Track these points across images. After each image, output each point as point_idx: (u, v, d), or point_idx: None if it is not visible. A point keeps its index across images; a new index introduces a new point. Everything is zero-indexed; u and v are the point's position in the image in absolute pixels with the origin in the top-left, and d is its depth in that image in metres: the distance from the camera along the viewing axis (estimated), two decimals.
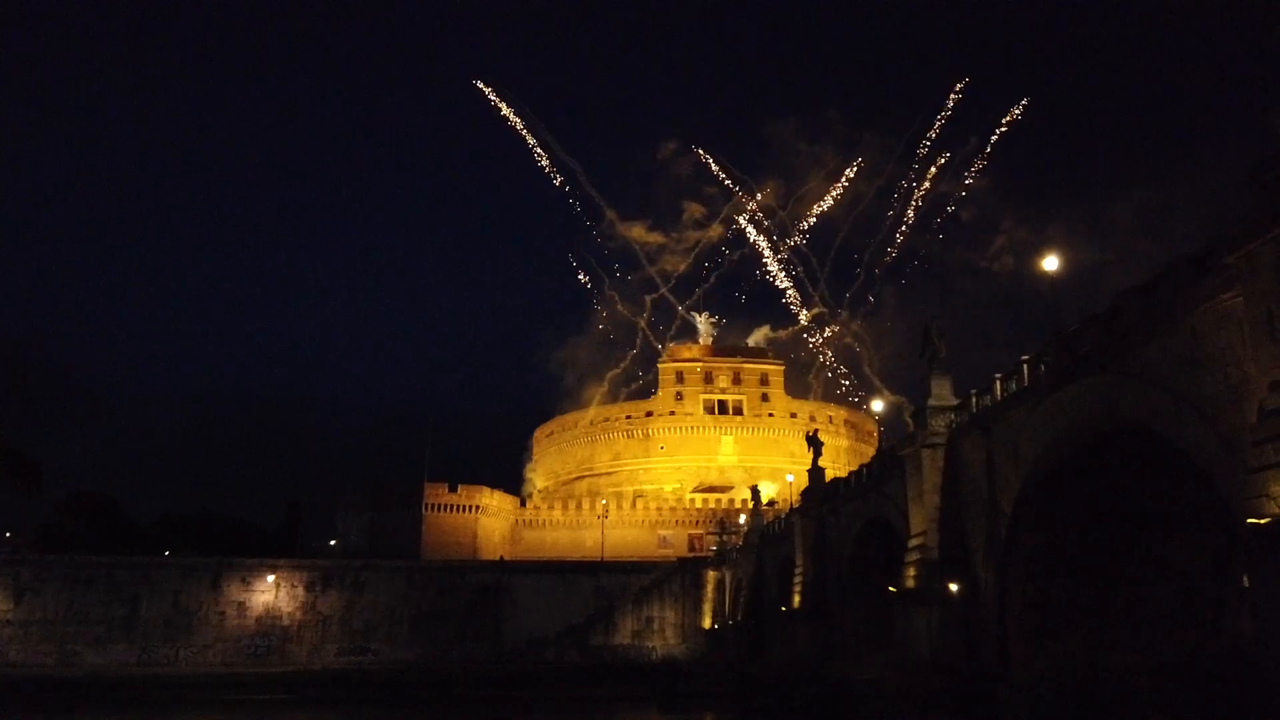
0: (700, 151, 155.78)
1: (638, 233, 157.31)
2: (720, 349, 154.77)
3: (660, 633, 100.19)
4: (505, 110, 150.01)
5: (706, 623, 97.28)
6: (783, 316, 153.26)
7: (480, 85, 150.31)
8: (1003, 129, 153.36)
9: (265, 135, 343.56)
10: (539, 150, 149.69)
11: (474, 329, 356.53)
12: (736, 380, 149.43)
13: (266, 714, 65.83)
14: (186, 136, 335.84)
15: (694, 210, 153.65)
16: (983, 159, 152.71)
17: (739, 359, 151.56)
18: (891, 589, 44.23)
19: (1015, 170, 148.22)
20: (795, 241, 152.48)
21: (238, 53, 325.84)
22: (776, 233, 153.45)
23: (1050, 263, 37.33)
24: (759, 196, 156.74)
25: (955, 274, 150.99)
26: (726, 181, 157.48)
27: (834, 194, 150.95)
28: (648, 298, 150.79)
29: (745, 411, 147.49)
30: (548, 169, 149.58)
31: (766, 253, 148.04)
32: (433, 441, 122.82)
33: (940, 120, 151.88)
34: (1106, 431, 32.87)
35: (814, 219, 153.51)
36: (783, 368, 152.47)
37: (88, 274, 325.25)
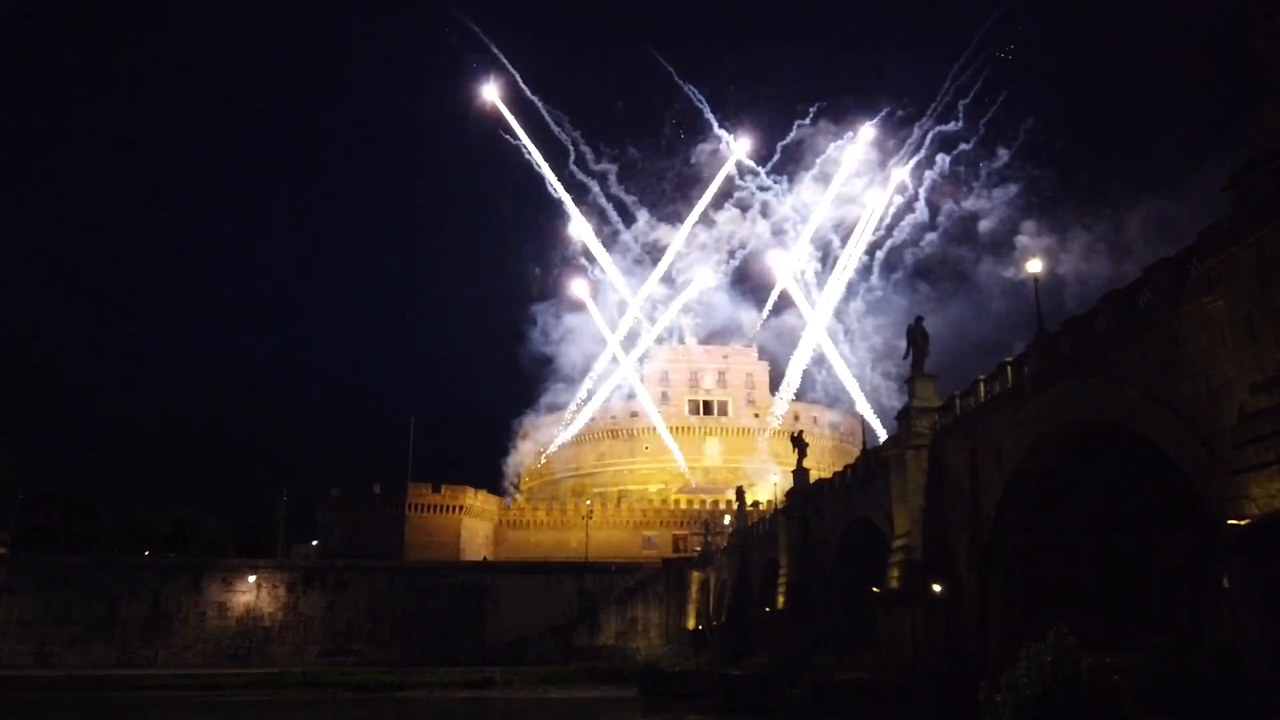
0: (732, 151, 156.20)
1: (664, 233, 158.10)
2: (705, 350, 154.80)
3: (644, 633, 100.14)
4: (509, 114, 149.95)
5: (691, 624, 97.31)
6: (790, 316, 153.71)
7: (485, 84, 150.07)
8: (1012, 121, 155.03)
9: (246, 129, 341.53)
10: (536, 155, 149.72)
11: (462, 326, 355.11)
12: (721, 381, 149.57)
13: (247, 715, 65.38)
14: (164, 129, 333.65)
15: (722, 216, 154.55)
16: (997, 157, 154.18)
17: (723, 360, 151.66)
18: (875, 590, 44.39)
19: (1038, 180, 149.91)
20: (812, 242, 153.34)
21: (220, 49, 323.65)
22: (795, 233, 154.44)
23: (1034, 265, 37.57)
24: (785, 196, 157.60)
25: (976, 280, 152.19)
26: (754, 181, 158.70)
27: (856, 198, 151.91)
28: (651, 294, 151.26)
29: (730, 412, 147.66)
30: (548, 176, 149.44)
31: (782, 254, 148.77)
32: (416, 441, 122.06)
33: (961, 125, 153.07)
34: (1088, 434, 33.14)
35: (835, 221, 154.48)
36: (767, 368, 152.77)
37: (62, 270, 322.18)
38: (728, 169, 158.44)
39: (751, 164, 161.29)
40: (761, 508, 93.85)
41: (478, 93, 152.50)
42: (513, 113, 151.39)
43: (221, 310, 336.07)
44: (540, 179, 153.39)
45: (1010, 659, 26.42)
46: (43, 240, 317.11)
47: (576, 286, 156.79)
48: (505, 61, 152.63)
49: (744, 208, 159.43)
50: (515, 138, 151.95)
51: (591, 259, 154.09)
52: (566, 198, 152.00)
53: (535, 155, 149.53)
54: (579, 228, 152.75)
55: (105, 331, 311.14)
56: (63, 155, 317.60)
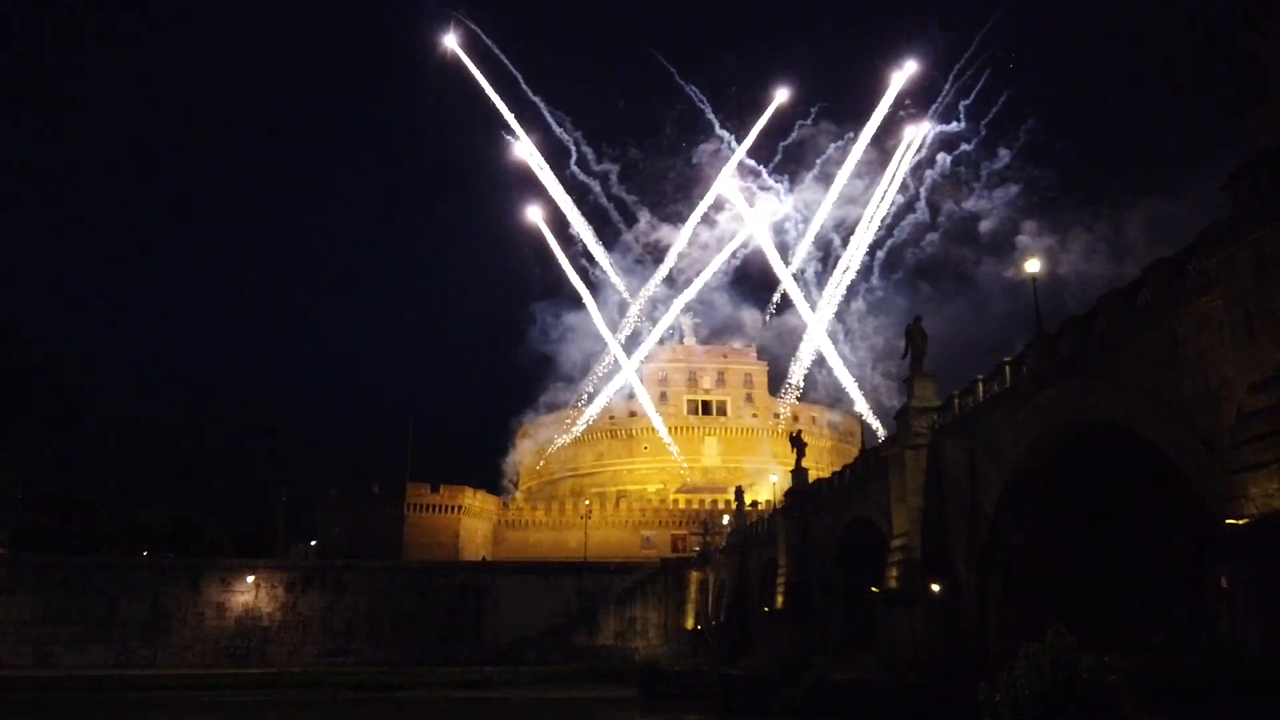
0: (734, 150, 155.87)
1: (666, 234, 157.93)
2: (704, 350, 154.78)
3: (643, 633, 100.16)
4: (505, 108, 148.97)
5: (689, 623, 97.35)
6: (791, 316, 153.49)
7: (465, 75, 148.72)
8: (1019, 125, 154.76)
9: (246, 129, 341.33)
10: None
11: (461, 326, 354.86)
12: (720, 381, 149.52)
13: (245, 715, 65.35)
14: (164, 129, 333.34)
15: (724, 216, 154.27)
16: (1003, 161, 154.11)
17: (722, 360, 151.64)
18: (874, 589, 44.40)
19: (1038, 181, 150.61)
20: (813, 243, 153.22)
21: (221, 49, 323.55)
22: (796, 232, 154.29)
23: (1032, 265, 37.57)
24: (786, 196, 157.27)
25: (976, 280, 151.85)
26: (755, 181, 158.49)
27: (857, 198, 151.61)
28: (653, 294, 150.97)
29: (729, 412, 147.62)
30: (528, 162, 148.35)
31: (780, 253, 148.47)
32: (415, 441, 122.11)
33: (962, 125, 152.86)
34: (1087, 433, 33.15)
35: (836, 220, 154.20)
36: (766, 368, 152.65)
37: (62, 270, 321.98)
38: (770, 112, 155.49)
39: (753, 164, 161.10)
40: (760, 508, 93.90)
41: (439, 43, 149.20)
42: (513, 112, 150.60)
43: (221, 310, 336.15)
44: (540, 180, 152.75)
45: (1009, 658, 26.40)
46: (43, 240, 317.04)
47: (532, 214, 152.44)
48: (507, 62, 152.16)
49: (746, 206, 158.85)
50: (515, 135, 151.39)
51: (592, 261, 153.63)
52: (568, 200, 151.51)
53: (521, 132, 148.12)
54: (580, 226, 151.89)
55: (105, 331, 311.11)
56: (63, 155, 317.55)
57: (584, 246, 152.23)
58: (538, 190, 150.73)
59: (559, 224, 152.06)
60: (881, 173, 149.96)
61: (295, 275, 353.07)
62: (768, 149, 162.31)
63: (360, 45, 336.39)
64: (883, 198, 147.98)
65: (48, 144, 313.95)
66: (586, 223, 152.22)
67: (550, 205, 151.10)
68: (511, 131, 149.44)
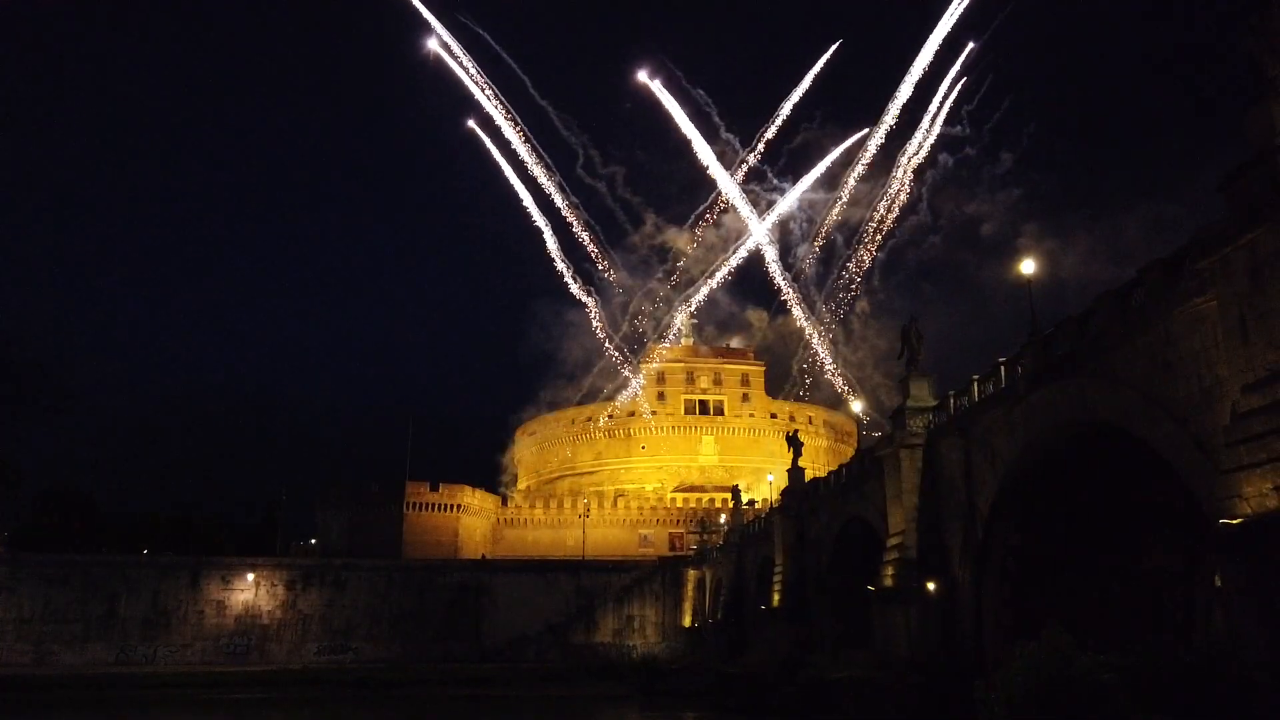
0: (740, 154, 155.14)
1: (670, 235, 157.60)
2: (702, 350, 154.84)
3: (641, 631, 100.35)
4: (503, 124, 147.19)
5: (687, 621, 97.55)
6: (791, 316, 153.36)
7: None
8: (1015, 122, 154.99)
9: (248, 130, 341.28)
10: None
11: (460, 325, 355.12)
12: (717, 381, 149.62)
13: (245, 713, 65.43)
14: (166, 129, 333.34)
15: (726, 217, 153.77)
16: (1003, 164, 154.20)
17: (720, 359, 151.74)
18: (870, 588, 44.57)
19: (1039, 184, 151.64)
20: (815, 244, 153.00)
21: (224, 52, 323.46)
22: (799, 233, 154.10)
23: (1027, 266, 37.69)
24: (790, 198, 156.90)
25: (978, 282, 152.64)
26: (760, 184, 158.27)
27: (860, 200, 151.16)
28: (655, 294, 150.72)
29: (726, 412, 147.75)
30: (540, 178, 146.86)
31: (782, 255, 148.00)
32: (414, 439, 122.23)
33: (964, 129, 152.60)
34: (1082, 433, 33.28)
35: (835, 224, 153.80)
36: (763, 368, 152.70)
37: (63, 268, 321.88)
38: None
39: (757, 164, 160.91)
40: (757, 507, 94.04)
41: (461, 119, 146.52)
42: (519, 115, 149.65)
43: (222, 310, 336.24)
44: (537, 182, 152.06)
45: (1005, 657, 26.59)
46: (43, 240, 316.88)
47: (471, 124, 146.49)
48: (515, 66, 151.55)
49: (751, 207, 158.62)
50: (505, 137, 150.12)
51: (594, 263, 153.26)
52: (571, 206, 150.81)
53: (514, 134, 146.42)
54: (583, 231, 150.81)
55: (105, 331, 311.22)
56: (64, 155, 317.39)
57: (587, 250, 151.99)
58: (536, 188, 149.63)
59: (560, 224, 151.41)
60: (886, 175, 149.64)
61: (294, 275, 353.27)
62: (772, 151, 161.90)
63: (359, 49, 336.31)
64: (917, 147, 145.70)
65: (48, 144, 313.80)
66: (591, 223, 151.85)
67: (538, 192, 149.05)
68: (497, 129, 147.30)
